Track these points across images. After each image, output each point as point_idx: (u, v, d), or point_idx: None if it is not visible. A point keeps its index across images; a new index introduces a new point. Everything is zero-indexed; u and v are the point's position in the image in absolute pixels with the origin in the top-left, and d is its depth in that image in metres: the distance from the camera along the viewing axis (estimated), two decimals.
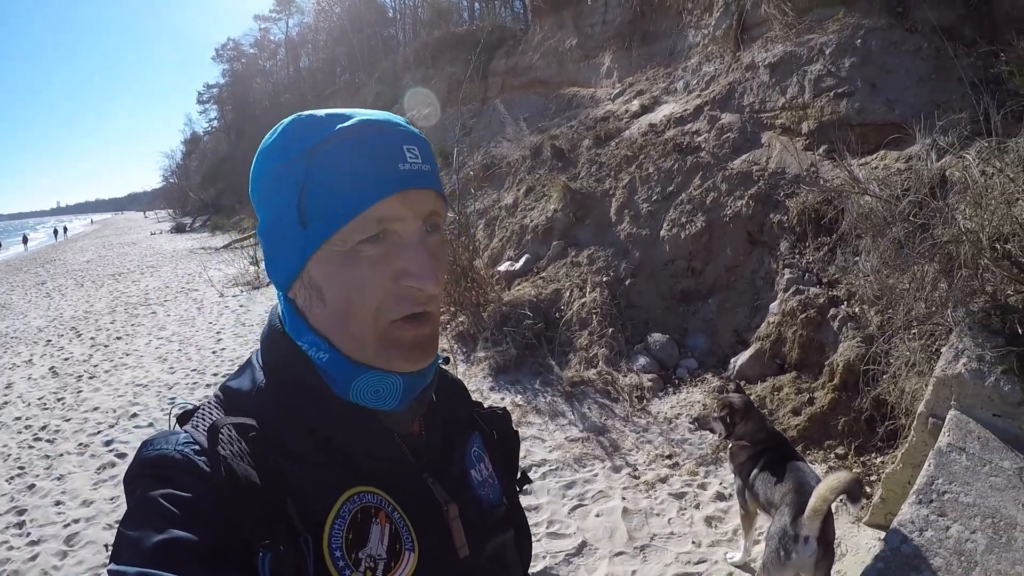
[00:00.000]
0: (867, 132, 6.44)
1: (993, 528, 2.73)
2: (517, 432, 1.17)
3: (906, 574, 2.57)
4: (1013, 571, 2.55)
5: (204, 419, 0.82)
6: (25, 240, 50.92)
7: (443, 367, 1.06)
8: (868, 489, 4.04)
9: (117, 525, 0.71)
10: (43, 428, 6.96)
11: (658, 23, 11.36)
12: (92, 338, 11.55)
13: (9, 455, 6.30)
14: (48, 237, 60.29)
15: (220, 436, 0.75)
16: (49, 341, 11.73)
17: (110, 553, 0.71)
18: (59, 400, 7.94)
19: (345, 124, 0.80)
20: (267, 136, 0.86)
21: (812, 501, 2.75)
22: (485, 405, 1.14)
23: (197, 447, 0.75)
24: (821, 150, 6.71)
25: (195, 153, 65.29)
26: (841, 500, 3.28)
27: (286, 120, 0.85)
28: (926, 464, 3.13)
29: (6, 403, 8.08)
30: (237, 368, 0.93)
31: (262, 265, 3.61)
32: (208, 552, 0.67)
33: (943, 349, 3.63)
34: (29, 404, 7.91)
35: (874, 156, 6.14)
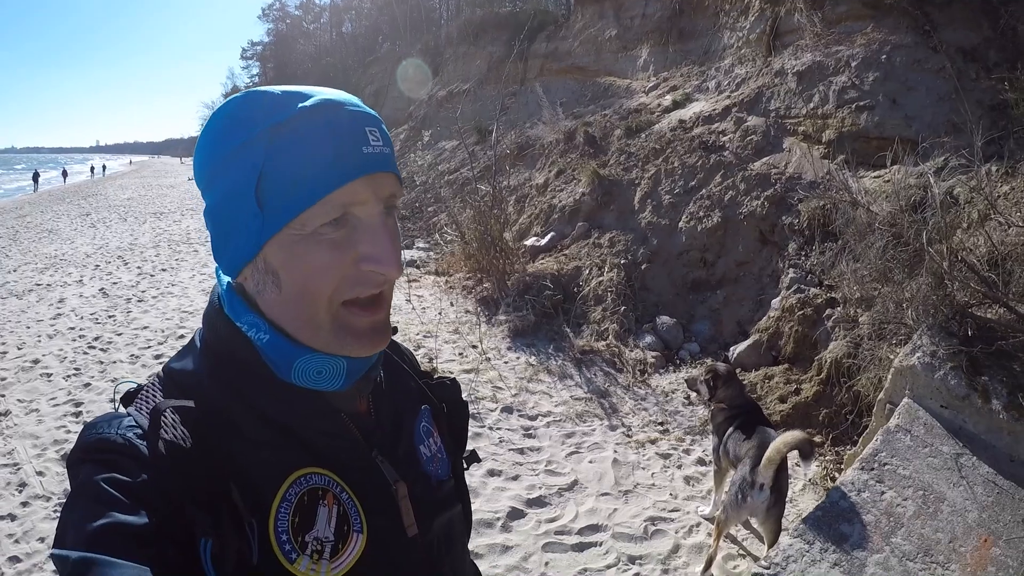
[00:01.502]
0: (883, 146, 6.59)
1: (923, 499, 3.21)
2: (466, 403, 1.17)
3: (839, 524, 3.07)
4: (934, 536, 3.04)
5: (147, 401, 0.80)
6: (65, 175, 51.53)
7: (392, 337, 0.99)
8: (836, 475, 4.49)
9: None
10: (96, 339, 7.58)
11: (695, 21, 11.63)
12: (139, 267, 12.11)
13: (65, 358, 6.96)
14: (86, 175, 60.55)
15: (163, 419, 0.75)
16: (97, 266, 12.34)
17: (53, 537, 0.70)
18: (110, 317, 8.55)
19: (306, 104, 0.78)
20: (215, 113, 0.82)
21: (768, 452, 3.24)
22: (434, 376, 1.15)
23: (140, 431, 0.75)
24: (838, 160, 6.99)
25: None
26: (797, 464, 3.77)
27: (237, 96, 0.82)
28: (874, 439, 3.62)
29: (60, 314, 8.77)
30: (180, 348, 0.92)
31: None
32: (150, 536, 0.67)
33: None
34: (82, 318, 8.57)
35: (887, 170, 6.48)
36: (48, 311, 8.97)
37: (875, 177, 6.47)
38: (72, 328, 8.10)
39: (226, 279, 0.88)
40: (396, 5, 35.32)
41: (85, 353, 7.10)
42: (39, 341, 7.59)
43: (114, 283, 10.80)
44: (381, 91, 27.39)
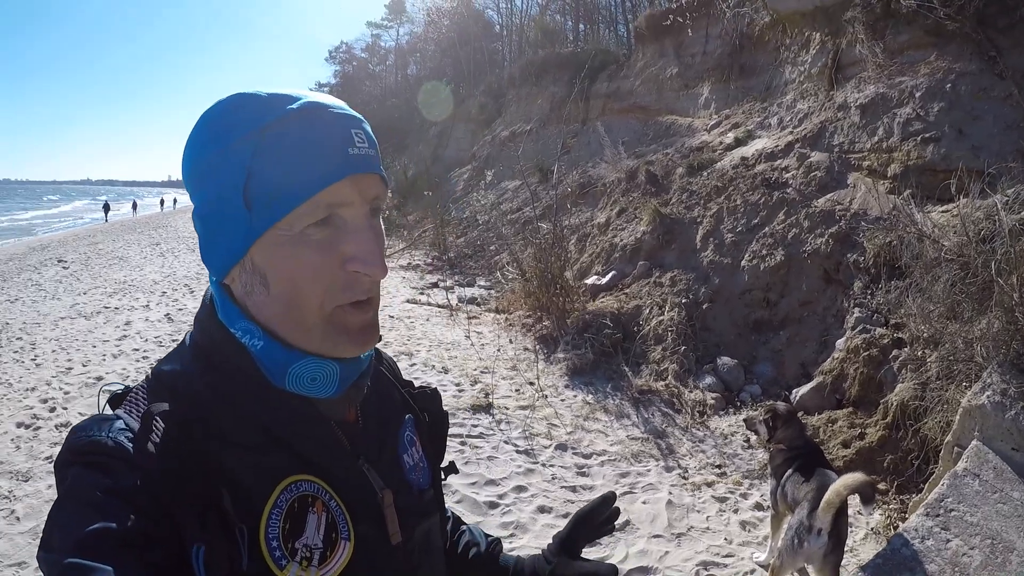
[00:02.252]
0: (950, 178, 6.43)
1: (991, 548, 3.05)
2: (447, 414, 1.17)
3: (901, 573, 2.94)
4: None
5: (137, 404, 0.80)
6: (135, 206, 53.76)
7: (375, 347, 1.03)
8: (900, 524, 4.30)
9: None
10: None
11: (756, 57, 11.60)
12: None
13: (127, 376, 7.28)
14: (155, 208, 62.87)
15: (154, 423, 0.74)
16: (164, 293, 12.86)
17: (40, 540, 0.69)
18: (174, 341, 8.76)
19: (293, 106, 0.79)
20: (203, 116, 0.83)
21: (827, 495, 3.11)
22: (416, 385, 1.16)
23: (130, 434, 0.74)
24: (905, 194, 6.79)
25: None
26: (860, 512, 3.63)
27: (223, 99, 0.83)
28: (940, 483, 3.46)
29: (125, 336, 9.17)
30: (169, 351, 0.92)
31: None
32: (140, 542, 0.66)
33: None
34: (146, 340, 8.94)
35: (954, 204, 6.28)
36: (114, 332, 9.38)
37: (943, 211, 6.27)
38: (136, 349, 8.46)
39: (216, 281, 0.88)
40: (460, 48, 36.08)
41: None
42: (103, 360, 7.96)
43: (179, 309, 11.23)
44: (444, 131, 27.88)
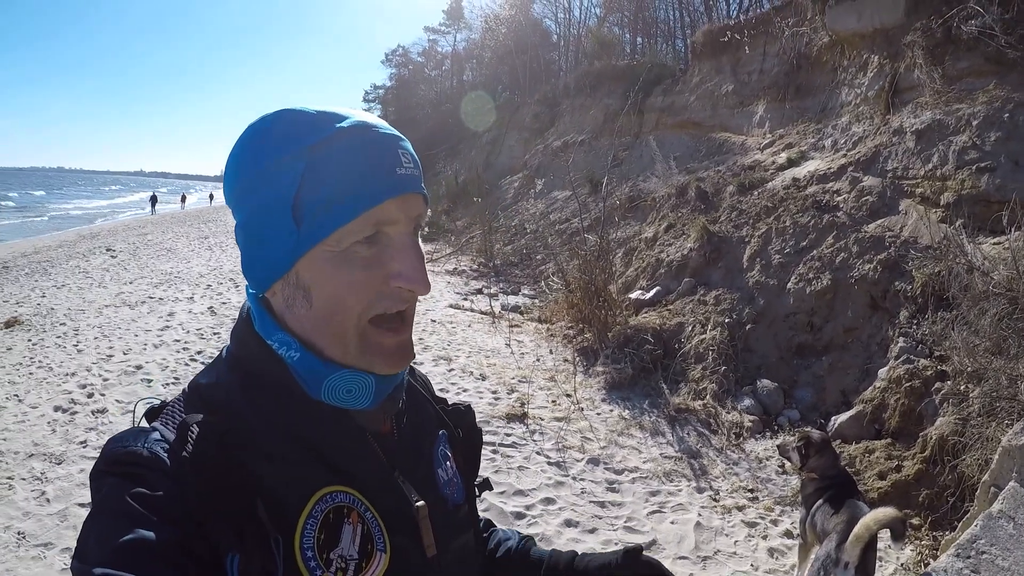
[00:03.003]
0: (1004, 210, 6.29)
1: None
2: (480, 430, 1.17)
3: None
4: None
5: (174, 416, 0.81)
6: (183, 199, 54.64)
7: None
8: (931, 561, 4.23)
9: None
10: (199, 352, 8.11)
11: (813, 78, 11.46)
12: None
13: (167, 367, 7.49)
14: (201, 200, 64.29)
15: (190, 434, 0.75)
16: (209, 286, 13.12)
17: (74, 550, 0.70)
18: (215, 334, 9.08)
19: (343, 124, 0.81)
20: (248, 130, 0.85)
21: (856, 529, 3.09)
22: (450, 402, 1.16)
23: (166, 445, 0.75)
24: (956, 224, 6.65)
25: None
26: (889, 546, 3.60)
27: (269, 114, 0.84)
28: (973, 524, 3.43)
29: (168, 327, 9.41)
30: (207, 365, 0.93)
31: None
32: (174, 553, 0.67)
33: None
34: (188, 332, 9.15)
35: (1006, 237, 6.17)
36: (157, 323, 9.63)
37: (994, 243, 6.16)
38: (177, 340, 8.67)
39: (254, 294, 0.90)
40: (516, 56, 36.18)
41: (187, 365, 7.59)
42: (144, 349, 8.20)
43: (223, 303, 11.43)
44: (497, 139, 28.05)
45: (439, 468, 1.01)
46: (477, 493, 1.15)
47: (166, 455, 0.74)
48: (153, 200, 46.66)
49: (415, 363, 1.17)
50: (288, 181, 0.79)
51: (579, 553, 1.18)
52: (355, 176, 0.79)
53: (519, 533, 1.29)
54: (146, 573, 0.64)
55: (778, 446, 4.69)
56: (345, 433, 0.87)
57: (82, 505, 4.43)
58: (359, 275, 0.81)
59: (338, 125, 0.81)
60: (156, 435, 0.77)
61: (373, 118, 0.86)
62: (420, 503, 0.91)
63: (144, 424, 0.83)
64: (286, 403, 0.84)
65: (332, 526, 0.80)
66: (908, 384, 5.68)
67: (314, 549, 0.78)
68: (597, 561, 1.13)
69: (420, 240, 0.90)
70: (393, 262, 0.82)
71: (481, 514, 1.21)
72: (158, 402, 0.88)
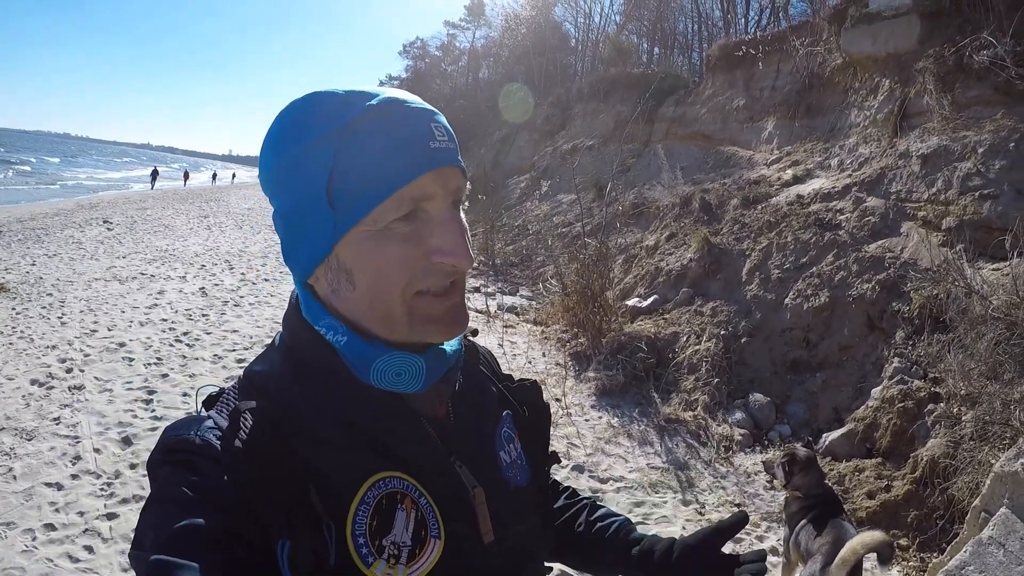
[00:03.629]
0: (1005, 236, 6.34)
1: None
2: (548, 405, 1.14)
3: None
4: None
5: (227, 404, 0.82)
6: (186, 176, 52.49)
7: (471, 339, 1.07)
8: None
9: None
10: (185, 334, 8.02)
11: (824, 97, 11.48)
12: (243, 274, 12.67)
13: (151, 346, 7.41)
14: (205, 181, 62.81)
15: (242, 420, 0.76)
16: (203, 266, 13.04)
17: (132, 540, 0.71)
18: (203, 316, 8.99)
19: (372, 102, 0.80)
20: (280, 116, 0.84)
21: (842, 552, 3.06)
22: (515, 378, 1.14)
23: (219, 432, 0.76)
24: (957, 248, 6.69)
25: None
26: (875, 568, 3.59)
27: (299, 98, 0.84)
28: (963, 550, 3.42)
29: (156, 305, 9.33)
30: (260, 352, 0.94)
31: None
32: (226, 539, 0.68)
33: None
34: (176, 312, 9.07)
35: (1006, 263, 6.17)
36: (146, 300, 9.57)
37: (994, 269, 6.17)
38: (164, 320, 8.59)
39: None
40: (533, 57, 36.20)
41: (171, 345, 7.52)
42: (130, 326, 8.14)
43: (216, 284, 11.37)
44: (508, 137, 28.02)
45: (501, 451, 1.00)
46: (547, 468, 1.13)
47: (218, 442, 0.75)
48: (154, 175, 45.44)
49: (477, 340, 1.14)
50: (320, 165, 0.79)
51: (676, 539, 1.15)
52: (387, 153, 0.79)
53: (625, 517, 1.27)
54: (198, 559, 0.65)
55: (764, 462, 4.67)
56: (397, 417, 0.86)
57: (49, 485, 4.37)
58: (399, 251, 0.80)
59: (367, 104, 0.80)
60: (210, 423, 0.78)
61: (404, 94, 0.85)
62: (477, 488, 0.90)
63: (202, 412, 0.84)
64: (336, 388, 0.84)
65: (385, 512, 0.80)
66: (901, 404, 5.68)
67: (366, 535, 0.77)
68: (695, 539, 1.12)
69: (462, 213, 0.88)
70: (433, 237, 0.81)
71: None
72: (216, 390, 0.88)
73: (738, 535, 4.68)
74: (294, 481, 0.74)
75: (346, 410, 0.83)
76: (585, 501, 1.31)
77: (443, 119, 0.87)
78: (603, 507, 1.29)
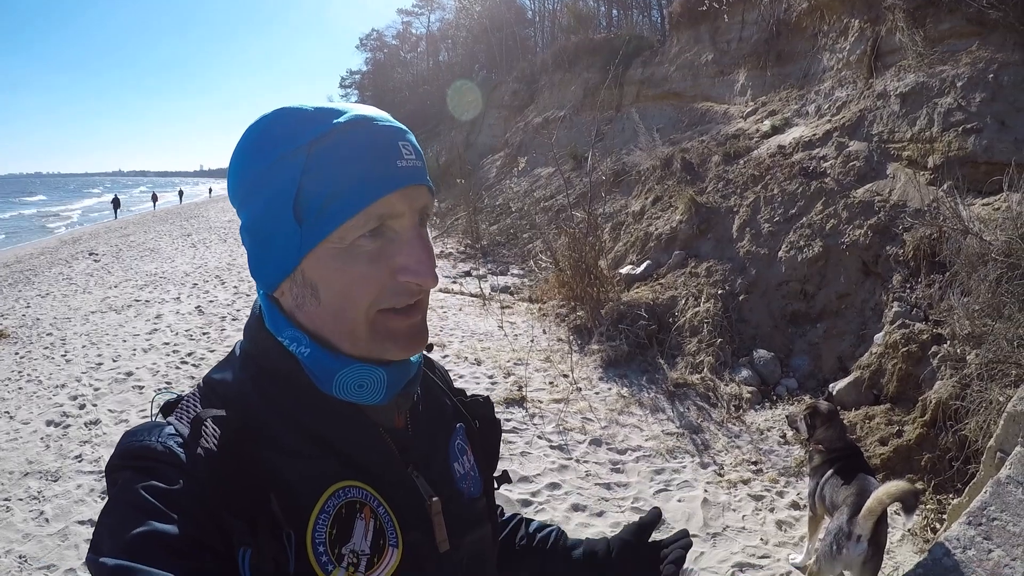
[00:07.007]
0: (992, 171, 6.36)
1: None
2: (498, 421, 1.17)
3: None
4: None
5: (188, 411, 0.82)
6: (154, 198, 49.45)
7: (427, 355, 1.06)
8: (937, 526, 4.25)
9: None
10: (189, 355, 7.99)
11: (793, 44, 11.44)
12: (235, 287, 12.64)
13: (158, 371, 7.37)
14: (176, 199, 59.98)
15: (204, 428, 0.76)
16: (195, 285, 12.99)
17: (90, 543, 0.70)
18: (204, 334, 8.96)
19: (340, 120, 0.80)
20: (249, 130, 0.84)
21: (868, 503, 3.08)
22: (468, 393, 1.15)
23: (180, 439, 0.76)
24: (945, 186, 6.65)
25: None
26: (897, 512, 3.61)
27: (268, 114, 0.83)
28: (983, 491, 3.42)
29: (156, 330, 9.27)
30: (220, 360, 0.94)
31: None
32: (187, 546, 0.67)
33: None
34: (177, 333, 9.01)
35: (996, 197, 6.17)
36: (145, 326, 9.49)
37: (985, 204, 6.17)
38: (167, 343, 8.54)
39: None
40: (491, 34, 35.92)
41: (177, 368, 7.49)
42: (134, 354, 8.07)
43: (210, 301, 11.34)
44: (477, 118, 27.88)
45: (455, 462, 1.01)
46: (496, 486, 1.14)
47: (180, 449, 0.75)
48: (115, 203, 42.48)
49: (434, 356, 1.16)
50: (287, 180, 0.78)
51: (609, 539, 1.23)
52: (354, 171, 0.78)
53: (558, 527, 1.30)
54: (160, 565, 0.64)
55: (787, 416, 4.68)
56: (358, 427, 0.86)
57: (82, 523, 4.34)
58: (365, 269, 0.79)
59: (335, 121, 0.80)
60: (170, 429, 0.78)
61: (374, 111, 0.85)
62: (434, 499, 0.91)
63: (160, 419, 0.83)
64: (298, 398, 0.84)
65: (345, 521, 0.80)
66: (905, 349, 5.68)
67: (326, 544, 0.78)
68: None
69: (428, 232, 0.88)
70: (399, 255, 0.81)
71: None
72: (174, 396, 0.88)
73: (758, 490, 4.72)
74: (256, 489, 0.74)
75: (307, 420, 0.83)
76: (520, 517, 1.33)
77: (412, 137, 0.86)
78: (534, 520, 1.32)
